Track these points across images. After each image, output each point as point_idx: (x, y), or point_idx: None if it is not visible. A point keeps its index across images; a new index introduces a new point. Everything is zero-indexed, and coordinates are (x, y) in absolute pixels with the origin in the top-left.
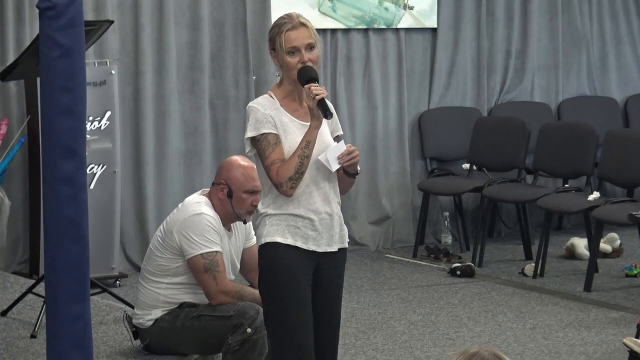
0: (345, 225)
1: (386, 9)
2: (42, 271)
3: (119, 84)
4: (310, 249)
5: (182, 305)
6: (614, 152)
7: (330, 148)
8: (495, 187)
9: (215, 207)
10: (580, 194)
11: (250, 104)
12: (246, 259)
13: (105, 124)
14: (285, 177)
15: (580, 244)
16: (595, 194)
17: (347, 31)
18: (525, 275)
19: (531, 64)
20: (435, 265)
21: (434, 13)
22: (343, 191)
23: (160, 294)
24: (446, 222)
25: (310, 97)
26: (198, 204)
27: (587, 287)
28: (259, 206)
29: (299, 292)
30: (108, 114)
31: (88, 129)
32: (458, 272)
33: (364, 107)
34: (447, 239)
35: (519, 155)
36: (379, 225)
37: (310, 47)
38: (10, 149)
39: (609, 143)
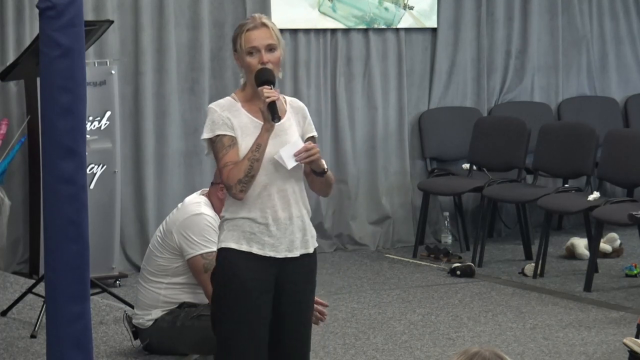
0: (311, 230)
1: (386, 9)
2: (42, 271)
3: (119, 84)
4: (268, 255)
5: (182, 305)
6: (614, 152)
7: (285, 146)
8: (495, 187)
9: (214, 207)
10: (580, 194)
11: (210, 105)
12: None
13: (105, 124)
14: (234, 179)
15: (580, 244)
16: (595, 194)
17: (347, 31)
18: (525, 275)
19: (531, 64)
20: (435, 265)
21: (434, 13)
22: (321, 193)
23: (160, 294)
24: (446, 222)
25: (262, 99)
26: (197, 204)
27: (587, 287)
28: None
29: (248, 300)
30: (108, 114)
31: (88, 129)
32: (458, 272)
33: (364, 107)
34: (447, 239)
35: (519, 155)
36: (379, 225)
37: (271, 48)
38: (10, 149)
39: (609, 143)
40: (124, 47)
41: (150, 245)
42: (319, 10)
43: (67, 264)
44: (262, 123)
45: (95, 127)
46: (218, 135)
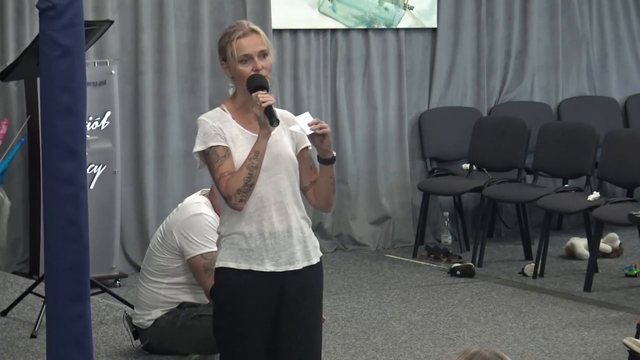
0: (313, 240)
1: (386, 9)
2: (42, 271)
3: (119, 84)
4: (269, 270)
5: (182, 305)
6: (614, 152)
7: (298, 117)
8: (495, 187)
9: (215, 207)
10: (580, 194)
11: (199, 117)
12: None
13: (105, 124)
14: (233, 189)
15: (580, 244)
16: (595, 194)
17: (347, 31)
18: (525, 275)
19: (531, 64)
20: (435, 265)
21: (434, 13)
22: (326, 199)
23: (160, 294)
24: (446, 222)
25: (258, 104)
26: (198, 204)
27: (587, 287)
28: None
29: (249, 320)
30: (108, 114)
31: (88, 129)
32: (458, 272)
33: (364, 107)
34: (447, 239)
35: (519, 155)
36: (379, 225)
37: (263, 54)
38: (10, 149)
39: (609, 143)
40: (124, 47)
41: (150, 245)
42: (319, 10)
43: (67, 264)
44: (251, 134)
45: (95, 127)
46: (212, 147)
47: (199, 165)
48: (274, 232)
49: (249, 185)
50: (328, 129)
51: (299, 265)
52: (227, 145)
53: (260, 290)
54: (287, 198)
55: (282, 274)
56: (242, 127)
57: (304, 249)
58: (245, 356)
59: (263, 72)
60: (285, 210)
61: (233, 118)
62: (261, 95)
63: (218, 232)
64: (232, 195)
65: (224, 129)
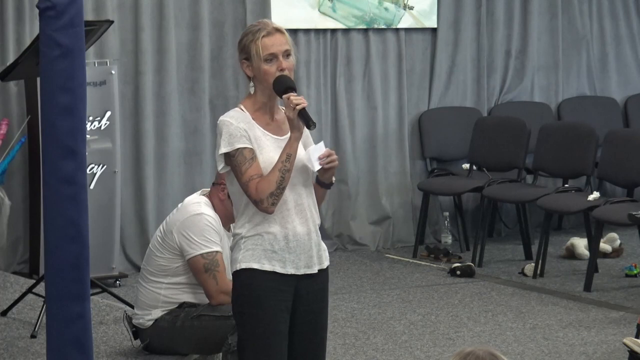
0: (323, 244)
1: (386, 9)
2: (42, 271)
3: (119, 84)
4: (289, 273)
5: (182, 305)
6: (614, 152)
7: (310, 148)
8: (495, 187)
9: (215, 208)
10: (580, 194)
11: (221, 118)
12: None
13: (105, 124)
14: (266, 192)
15: (580, 244)
16: (595, 194)
17: (347, 31)
18: (525, 275)
19: (531, 64)
20: (435, 265)
21: (434, 13)
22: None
23: (160, 294)
24: (446, 222)
25: (290, 107)
26: (198, 204)
27: (587, 287)
28: (233, 226)
29: (274, 322)
30: (108, 114)
31: (88, 129)
32: (458, 272)
33: (364, 107)
34: (447, 239)
35: (519, 155)
36: (379, 225)
37: (287, 54)
38: (10, 149)
39: (609, 143)
40: (124, 47)
41: (150, 245)
42: (319, 10)
43: (67, 264)
44: (273, 136)
45: (95, 127)
46: (238, 149)
47: (220, 167)
48: (297, 234)
49: (282, 189)
50: (337, 163)
51: (315, 269)
52: (252, 147)
53: (281, 292)
54: (307, 200)
55: (299, 277)
56: (263, 129)
57: (317, 252)
58: (280, 352)
59: (286, 73)
60: (305, 213)
61: (253, 119)
62: (294, 97)
63: (236, 234)
64: (264, 198)
65: (248, 131)
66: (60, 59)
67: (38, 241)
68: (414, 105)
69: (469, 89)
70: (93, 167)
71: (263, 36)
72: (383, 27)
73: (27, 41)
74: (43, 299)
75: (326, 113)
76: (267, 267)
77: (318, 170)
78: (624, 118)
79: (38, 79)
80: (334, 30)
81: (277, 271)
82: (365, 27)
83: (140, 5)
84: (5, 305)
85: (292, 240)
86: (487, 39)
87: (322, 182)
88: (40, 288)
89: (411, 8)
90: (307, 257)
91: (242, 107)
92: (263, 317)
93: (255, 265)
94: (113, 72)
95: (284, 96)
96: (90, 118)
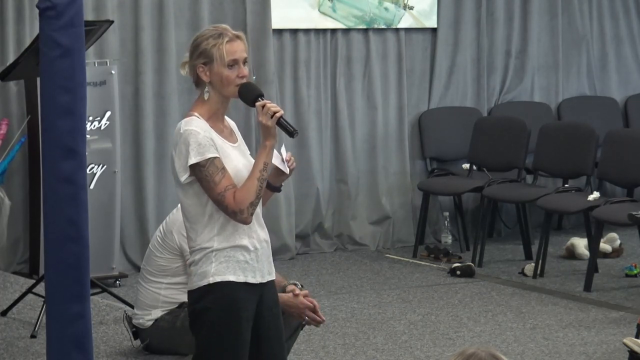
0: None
1: (386, 9)
2: (42, 271)
3: (119, 84)
4: (258, 282)
5: (182, 305)
6: (614, 152)
7: (276, 153)
8: (495, 187)
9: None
10: (580, 194)
11: (184, 127)
12: None
13: (105, 124)
14: (246, 203)
15: (580, 244)
16: (595, 194)
17: (347, 31)
18: (525, 275)
19: (531, 64)
20: (435, 265)
21: (434, 13)
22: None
23: (160, 294)
24: (446, 222)
25: (268, 115)
26: None
27: (587, 287)
28: (194, 241)
29: (246, 332)
30: (108, 114)
31: (88, 129)
32: (458, 272)
33: (364, 107)
34: (447, 239)
35: (519, 155)
36: (379, 225)
37: (245, 61)
38: (10, 149)
39: (609, 143)
40: (124, 47)
41: (150, 245)
42: (319, 10)
43: (67, 264)
44: (230, 143)
45: (95, 127)
46: (209, 159)
47: (183, 178)
48: (261, 243)
49: (259, 199)
50: (294, 165)
51: (273, 275)
52: (220, 156)
53: (250, 302)
54: (259, 209)
55: (262, 285)
56: (220, 137)
57: (270, 260)
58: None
59: (245, 80)
60: (261, 221)
61: (211, 127)
62: (270, 105)
63: (205, 248)
64: (244, 209)
65: (214, 140)
66: (60, 59)
67: (38, 241)
68: (414, 105)
69: (469, 89)
70: (93, 167)
71: (227, 41)
72: (383, 27)
73: (27, 41)
74: (43, 299)
75: (326, 113)
76: (241, 278)
77: (281, 174)
78: (624, 118)
79: (38, 79)
80: (334, 30)
81: (249, 282)
82: (365, 27)
83: (140, 5)
84: (5, 305)
85: (259, 249)
86: (487, 39)
87: (275, 186)
88: (40, 288)
89: (411, 8)
90: (268, 264)
91: (197, 114)
92: (238, 327)
93: (232, 278)
94: (113, 72)
95: (257, 104)
96: (90, 118)
